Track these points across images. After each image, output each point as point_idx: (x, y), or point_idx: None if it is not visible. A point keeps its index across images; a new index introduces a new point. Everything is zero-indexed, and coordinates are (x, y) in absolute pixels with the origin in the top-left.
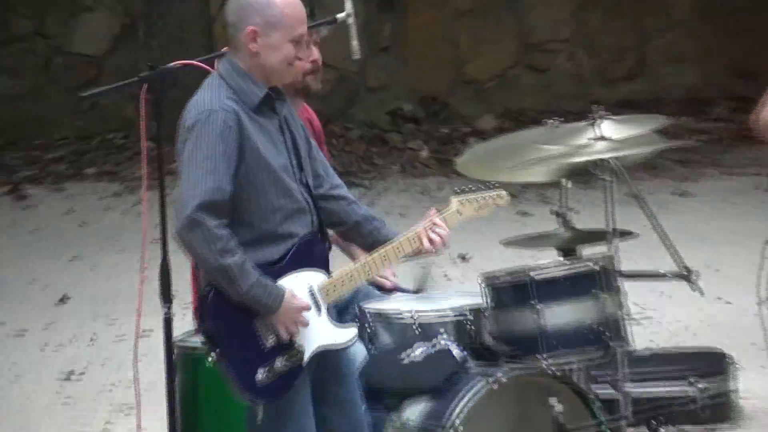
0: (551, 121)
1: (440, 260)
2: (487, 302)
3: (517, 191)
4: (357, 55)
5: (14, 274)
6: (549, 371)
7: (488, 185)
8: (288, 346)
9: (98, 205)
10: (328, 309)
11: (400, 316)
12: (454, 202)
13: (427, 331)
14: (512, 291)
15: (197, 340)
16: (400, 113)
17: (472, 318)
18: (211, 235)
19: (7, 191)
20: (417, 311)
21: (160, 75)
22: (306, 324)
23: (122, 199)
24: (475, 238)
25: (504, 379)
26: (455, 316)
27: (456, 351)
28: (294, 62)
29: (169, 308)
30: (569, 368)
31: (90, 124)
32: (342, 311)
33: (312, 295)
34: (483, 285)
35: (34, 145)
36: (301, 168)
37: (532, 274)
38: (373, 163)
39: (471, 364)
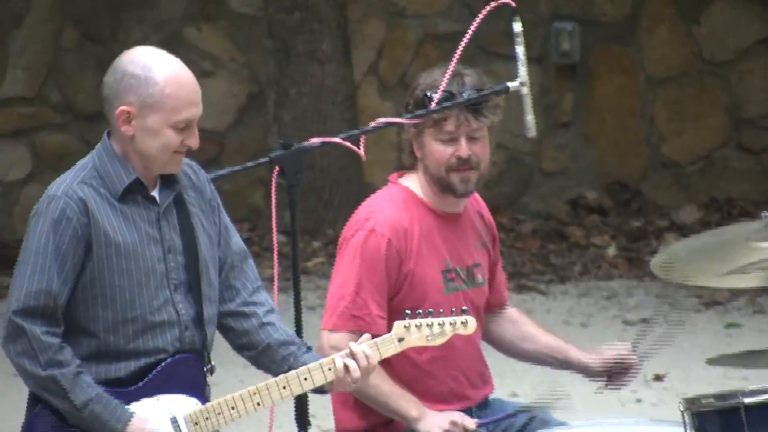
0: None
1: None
2: (688, 431)
3: (725, 299)
4: (532, 131)
5: None
6: None
7: (455, 310)
8: None
9: None
10: None
11: None
12: (397, 325)
13: None
14: (720, 419)
15: None
16: (582, 202)
17: None
18: (37, 344)
19: None
20: None
21: (294, 154)
22: None
23: None
24: (672, 353)
25: None
26: None
27: None
28: (180, 149)
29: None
30: None
31: None
32: None
33: (175, 424)
34: (684, 411)
35: None
36: (188, 272)
37: (743, 398)
38: (549, 263)
39: None
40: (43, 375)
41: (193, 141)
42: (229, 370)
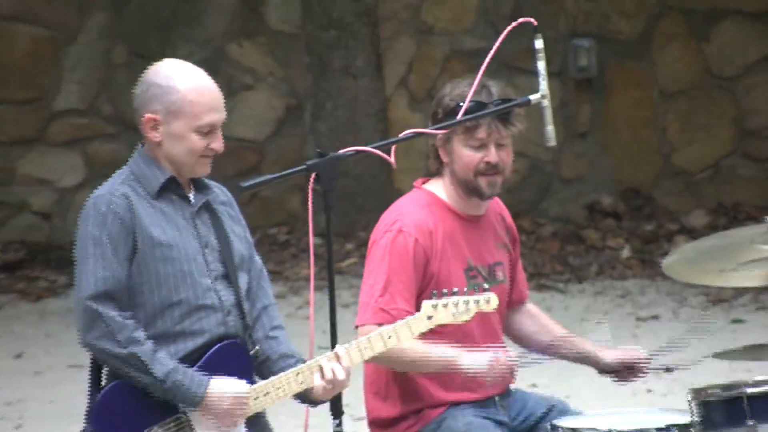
0: None
1: None
2: (695, 420)
3: (730, 296)
4: (552, 141)
5: None
6: None
7: (476, 287)
8: None
9: None
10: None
11: None
12: (425, 305)
13: None
14: (724, 408)
15: None
16: (598, 207)
17: None
18: (113, 324)
19: None
20: (616, 429)
21: (329, 163)
22: (247, 414)
23: (286, 301)
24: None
25: None
26: None
27: None
28: (206, 153)
29: (339, 423)
30: None
31: (250, 218)
32: (532, 429)
33: None
34: (691, 400)
35: None
36: (226, 270)
37: (747, 389)
38: (567, 264)
39: None
40: (124, 353)
41: (218, 144)
42: None
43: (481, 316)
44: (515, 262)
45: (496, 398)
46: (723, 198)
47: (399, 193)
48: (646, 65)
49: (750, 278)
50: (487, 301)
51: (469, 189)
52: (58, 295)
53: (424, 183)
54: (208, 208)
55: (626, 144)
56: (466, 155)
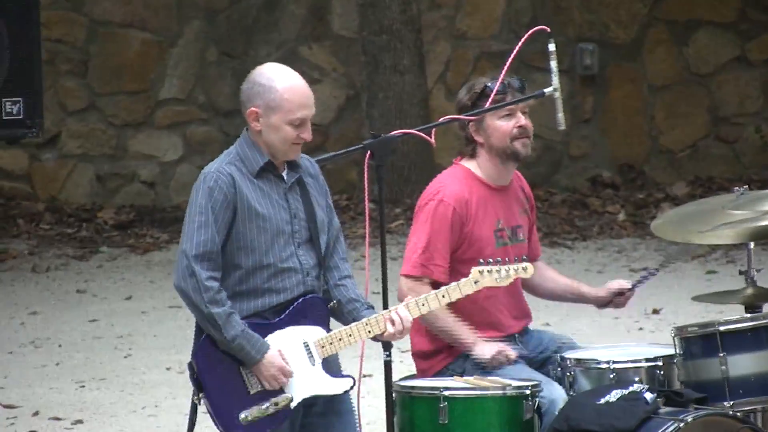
0: (738, 188)
1: (634, 313)
2: (677, 352)
3: (707, 252)
4: (562, 126)
5: None
6: (732, 413)
7: (515, 258)
8: (276, 392)
9: None
10: (330, 360)
11: (598, 363)
12: (473, 271)
13: (622, 377)
14: (701, 342)
15: (414, 383)
16: (599, 179)
17: (663, 366)
18: (202, 285)
19: None
20: (613, 360)
21: (381, 142)
22: (284, 383)
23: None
24: (666, 293)
25: (690, 419)
26: (648, 364)
27: (649, 396)
28: (297, 141)
29: (389, 354)
30: (752, 412)
31: None
32: (546, 361)
33: (307, 348)
34: (674, 336)
35: None
36: (310, 234)
37: (719, 327)
38: (574, 225)
39: (662, 408)
40: (205, 312)
41: (307, 135)
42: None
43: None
44: (532, 226)
45: (516, 335)
46: (700, 172)
47: (438, 167)
48: (638, 65)
49: (722, 237)
50: (525, 269)
51: (507, 155)
52: (161, 249)
53: (461, 160)
54: (299, 182)
55: (622, 128)
56: (501, 126)
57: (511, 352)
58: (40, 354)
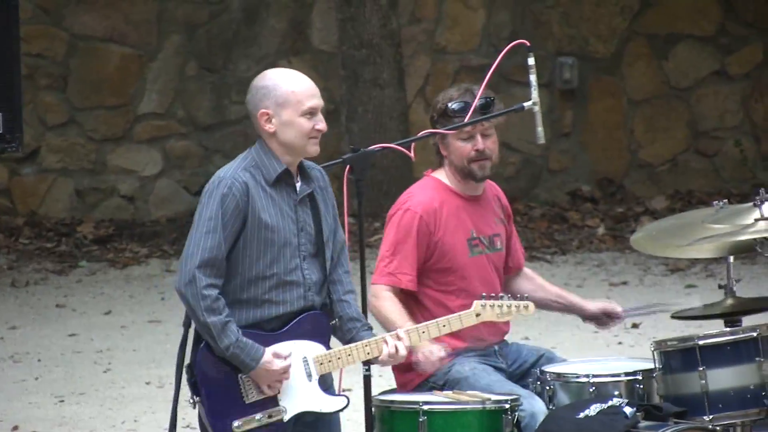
0: (718, 202)
1: (614, 327)
2: (657, 366)
3: (686, 266)
4: (541, 140)
5: None
6: (711, 427)
7: (519, 297)
8: (271, 404)
9: None
10: (324, 378)
11: (578, 377)
12: (476, 304)
13: (601, 391)
14: (680, 356)
15: (394, 398)
16: (579, 193)
17: (642, 380)
18: (200, 293)
19: None
20: (593, 374)
21: (361, 156)
22: (278, 387)
23: None
24: None
25: None
26: (628, 378)
27: (628, 410)
28: (313, 134)
29: (368, 368)
30: (731, 426)
31: None
32: (525, 374)
33: (305, 363)
34: (654, 350)
35: None
36: (316, 249)
37: (699, 341)
38: (554, 239)
39: (641, 422)
40: (201, 320)
41: (322, 125)
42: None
43: (485, 278)
44: (510, 235)
45: (495, 348)
46: (679, 186)
47: (417, 181)
48: (617, 79)
49: (701, 251)
50: (526, 307)
51: (464, 174)
52: (140, 264)
53: (432, 172)
54: (310, 196)
55: (601, 142)
56: (459, 146)
57: (443, 354)
58: (19, 368)
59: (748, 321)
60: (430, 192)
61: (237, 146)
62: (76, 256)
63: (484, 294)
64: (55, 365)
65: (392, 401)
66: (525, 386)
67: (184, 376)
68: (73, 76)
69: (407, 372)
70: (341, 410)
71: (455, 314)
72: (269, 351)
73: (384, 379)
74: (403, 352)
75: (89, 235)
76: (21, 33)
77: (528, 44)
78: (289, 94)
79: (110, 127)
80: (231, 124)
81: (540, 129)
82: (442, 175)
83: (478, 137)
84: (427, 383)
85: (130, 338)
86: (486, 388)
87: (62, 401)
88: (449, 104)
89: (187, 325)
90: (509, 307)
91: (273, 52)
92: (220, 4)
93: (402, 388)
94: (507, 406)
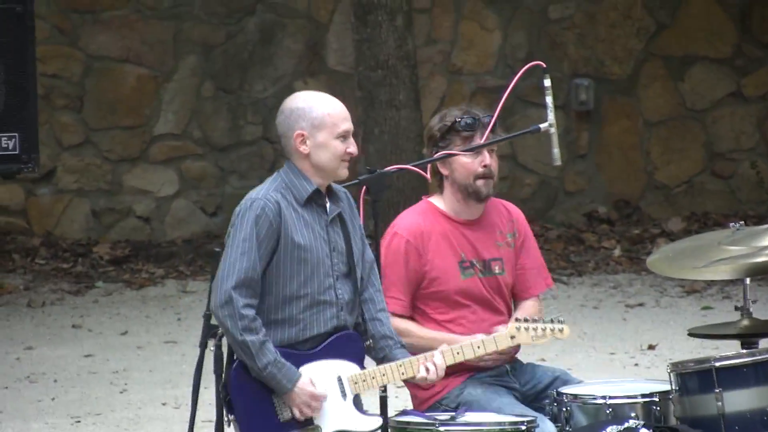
0: (734, 224)
1: (630, 349)
2: (673, 388)
3: (702, 288)
4: (558, 161)
5: None
6: None
7: (555, 320)
8: (306, 422)
9: None
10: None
11: (594, 399)
12: (510, 327)
13: (618, 412)
14: (697, 378)
15: (410, 419)
16: (595, 215)
17: (659, 402)
18: (238, 313)
19: None
20: (610, 395)
21: (377, 178)
22: (317, 411)
23: None
24: (662, 329)
25: None
26: (644, 400)
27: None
28: (345, 158)
29: (384, 389)
30: None
31: None
32: (539, 394)
33: (340, 382)
34: (670, 372)
35: None
36: (348, 267)
37: (715, 363)
38: (570, 261)
39: None
40: (239, 339)
41: (353, 149)
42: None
43: (485, 300)
44: (517, 258)
45: (507, 367)
46: (695, 208)
47: None
48: (633, 100)
49: (717, 273)
50: (561, 331)
51: (468, 192)
52: (156, 284)
53: (429, 197)
54: (340, 217)
55: (617, 164)
56: (466, 163)
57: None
58: (35, 389)
59: (765, 343)
60: (417, 216)
61: (253, 167)
62: (93, 276)
63: (518, 317)
64: (72, 386)
65: (408, 422)
66: (540, 408)
67: (210, 395)
68: (89, 96)
69: (422, 391)
70: (376, 430)
71: (490, 336)
72: (306, 375)
73: (401, 400)
74: (440, 373)
75: (105, 255)
76: (37, 53)
77: (544, 66)
78: (325, 117)
79: (126, 148)
80: (247, 144)
81: (556, 150)
82: (438, 200)
83: (486, 153)
84: (440, 405)
85: (146, 359)
86: (497, 411)
87: (78, 422)
88: (458, 120)
89: (203, 346)
90: (544, 330)
91: (289, 73)
92: (236, 24)
93: (418, 407)
94: (524, 427)
